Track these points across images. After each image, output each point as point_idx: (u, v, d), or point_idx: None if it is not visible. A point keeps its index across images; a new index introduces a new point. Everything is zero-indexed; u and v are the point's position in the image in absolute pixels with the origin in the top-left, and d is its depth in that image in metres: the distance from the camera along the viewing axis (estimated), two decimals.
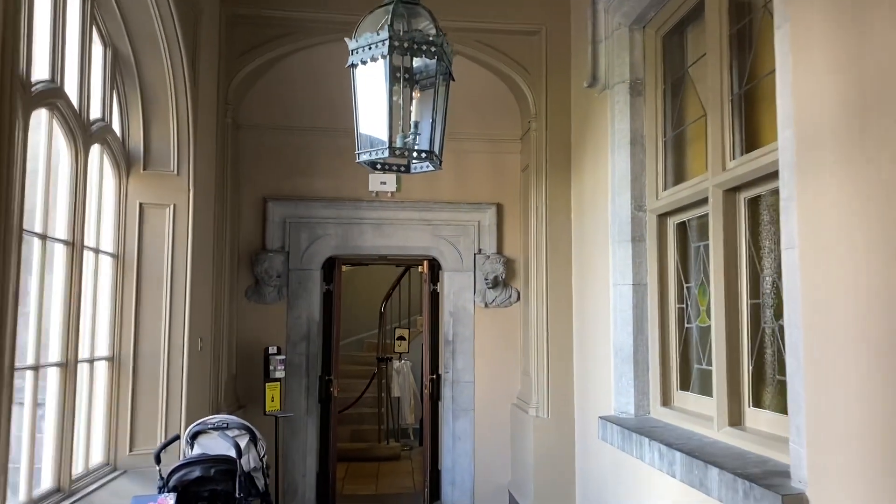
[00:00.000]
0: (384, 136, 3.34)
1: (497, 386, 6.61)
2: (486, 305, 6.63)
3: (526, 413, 5.98)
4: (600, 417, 4.73)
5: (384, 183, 6.58)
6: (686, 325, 4.42)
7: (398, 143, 3.36)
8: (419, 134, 3.42)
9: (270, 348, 6.20)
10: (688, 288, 4.41)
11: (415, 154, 3.39)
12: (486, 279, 6.53)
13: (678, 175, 4.53)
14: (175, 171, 4.75)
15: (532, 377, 5.93)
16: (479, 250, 6.69)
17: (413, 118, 3.39)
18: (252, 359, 6.30)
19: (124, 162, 4.58)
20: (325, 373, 6.77)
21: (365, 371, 10.23)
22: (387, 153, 3.32)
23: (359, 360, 10.90)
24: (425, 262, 6.98)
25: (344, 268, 7.13)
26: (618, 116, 4.81)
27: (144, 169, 4.67)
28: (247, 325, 6.44)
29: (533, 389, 5.89)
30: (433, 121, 3.55)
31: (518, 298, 6.66)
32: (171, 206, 4.73)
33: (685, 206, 4.29)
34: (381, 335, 9.78)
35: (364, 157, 3.45)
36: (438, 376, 6.90)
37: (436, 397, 6.96)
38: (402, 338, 9.91)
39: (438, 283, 6.93)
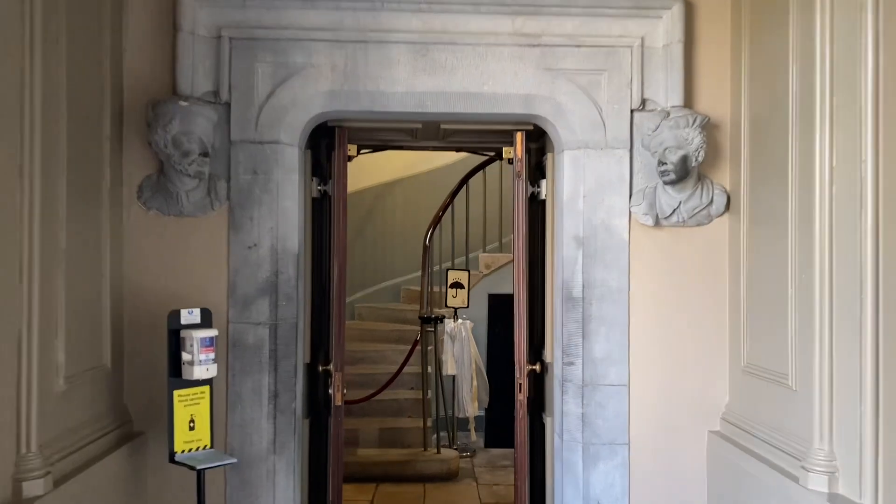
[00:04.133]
0: None
1: (677, 393, 3.09)
2: (657, 223, 3.06)
3: (792, 481, 2.44)
4: None
5: None
6: None
7: None
8: None
9: (185, 314, 2.76)
10: None
11: None
12: (662, 164, 2.94)
13: None
14: None
15: (813, 396, 2.37)
16: (643, 102, 3.07)
17: None
18: (156, 334, 2.89)
19: None
20: (316, 360, 3.36)
21: (403, 333, 6.82)
22: None
23: (394, 315, 7.46)
24: (518, 137, 3.39)
25: (353, 152, 3.59)
26: None
27: None
28: (142, 264, 3.01)
29: (815, 426, 2.34)
30: None
31: (726, 208, 3.08)
32: None
33: None
34: (427, 280, 6.30)
35: None
36: (545, 367, 3.43)
37: (537, 407, 3.50)
38: (457, 284, 6.41)
39: (546, 180, 3.38)
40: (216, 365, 2.78)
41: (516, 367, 3.41)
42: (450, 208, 6.49)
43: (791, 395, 2.53)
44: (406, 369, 6.17)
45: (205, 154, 2.90)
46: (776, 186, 2.68)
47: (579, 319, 3.07)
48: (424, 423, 5.94)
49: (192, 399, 2.79)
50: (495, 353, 6.74)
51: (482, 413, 6.61)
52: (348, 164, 3.51)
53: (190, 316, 2.78)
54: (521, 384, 3.38)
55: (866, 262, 2.16)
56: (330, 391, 3.33)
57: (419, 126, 3.44)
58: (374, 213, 7.87)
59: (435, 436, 6.01)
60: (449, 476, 5.61)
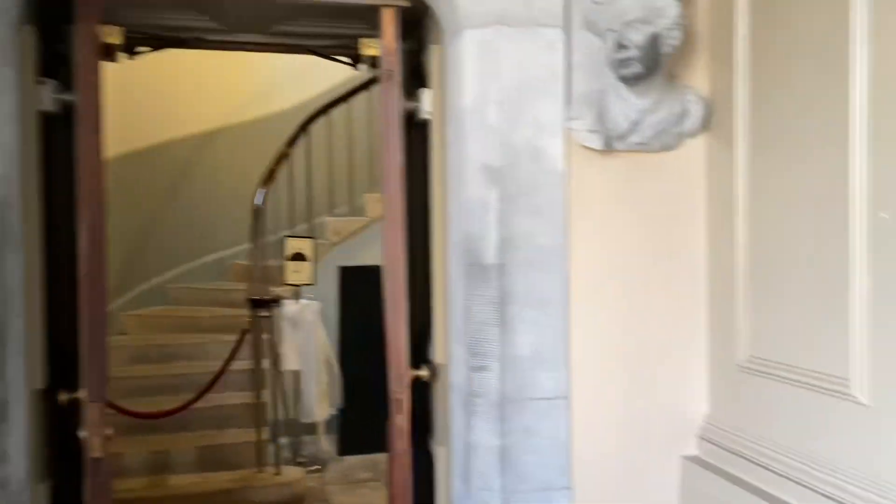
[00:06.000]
0: None
1: (638, 404, 2.06)
2: (608, 145, 1.98)
3: None
4: None
5: None
6: None
7: None
8: None
9: None
10: None
11: None
12: (621, 49, 1.85)
13: None
14: None
15: None
16: None
17: None
18: None
19: None
20: (60, 382, 1.99)
21: (232, 320, 5.41)
22: None
23: (220, 297, 5.99)
24: (387, 15, 2.17)
25: (117, 39, 2.19)
26: None
27: None
28: None
29: None
30: None
31: (703, 125, 2.06)
32: None
33: None
34: (258, 253, 4.93)
35: None
36: (434, 371, 2.28)
37: (423, 433, 2.35)
38: (300, 256, 5.09)
39: (430, 90, 2.21)
40: None
41: (392, 372, 2.23)
42: (287, 161, 5.15)
43: (859, 412, 1.55)
44: (234, 366, 4.79)
45: None
46: (814, 90, 1.67)
47: (494, 299, 1.93)
48: (258, 434, 4.62)
49: None
50: (349, 340, 5.51)
51: (334, 411, 5.40)
52: (116, 63, 2.15)
53: None
54: (399, 400, 2.20)
55: None
56: (79, 434, 1.98)
57: None
58: (190, 170, 6.31)
59: (273, 448, 4.73)
60: (293, 503, 4.36)
